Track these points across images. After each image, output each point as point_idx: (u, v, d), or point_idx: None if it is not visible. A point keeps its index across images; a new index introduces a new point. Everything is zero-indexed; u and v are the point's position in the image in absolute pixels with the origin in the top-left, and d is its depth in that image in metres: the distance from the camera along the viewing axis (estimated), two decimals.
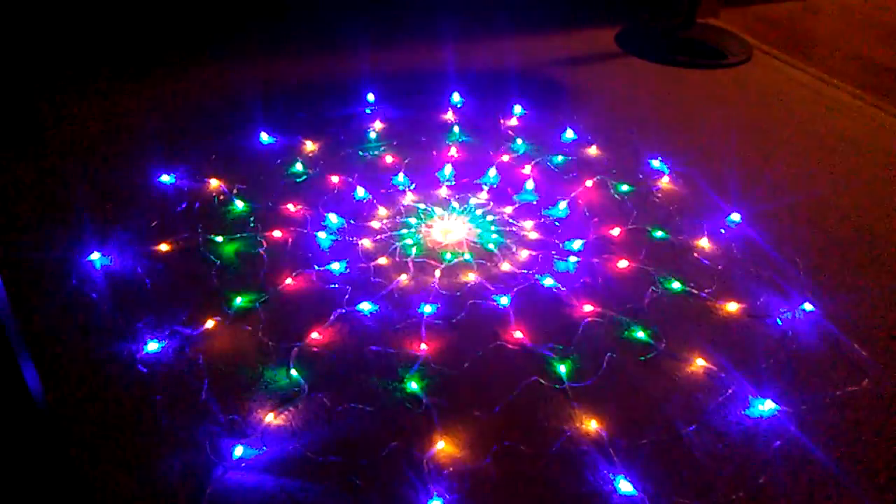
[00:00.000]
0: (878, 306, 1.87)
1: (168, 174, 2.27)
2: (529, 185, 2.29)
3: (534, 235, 2.09)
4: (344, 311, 1.79)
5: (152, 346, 1.66)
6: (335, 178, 2.30)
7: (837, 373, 1.67)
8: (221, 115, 2.66)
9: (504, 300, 1.83)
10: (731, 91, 3.05)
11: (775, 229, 2.14)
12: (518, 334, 1.74)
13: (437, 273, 1.93)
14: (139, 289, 1.84)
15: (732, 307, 1.84)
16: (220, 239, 2.02)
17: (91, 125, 2.56)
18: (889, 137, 2.69)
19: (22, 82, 2.40)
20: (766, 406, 1.56)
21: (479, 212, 2.17)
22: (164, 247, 1.98)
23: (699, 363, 1.68)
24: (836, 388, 1.63)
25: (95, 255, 1.92)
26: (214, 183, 2.25)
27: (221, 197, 2.20)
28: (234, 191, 2.22)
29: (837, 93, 3.02)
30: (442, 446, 1.47)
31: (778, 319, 1.81)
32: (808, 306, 1.84)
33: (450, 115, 2.70)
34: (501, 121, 2.68)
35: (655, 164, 2.42)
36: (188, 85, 2.87)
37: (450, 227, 2.10)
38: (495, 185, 2.30)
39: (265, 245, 2.01)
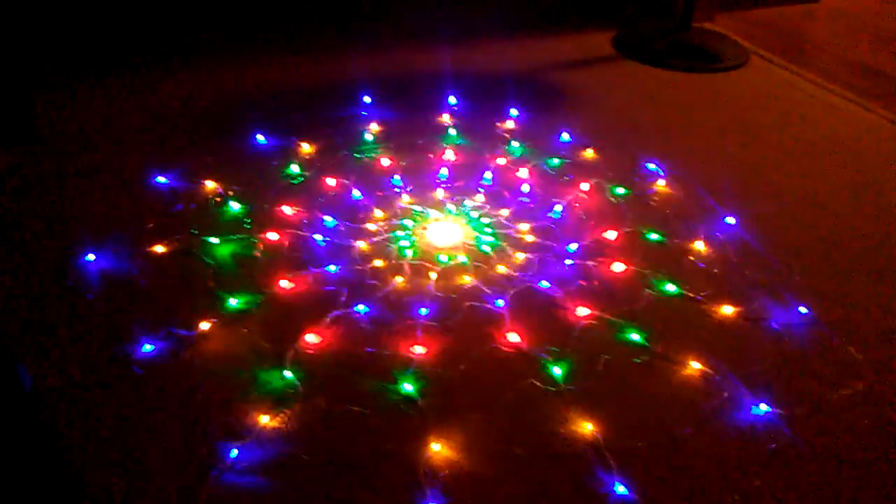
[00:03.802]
0: (872, 309, 1.88)
1: (163, 175, 2.26)
2: (525, 187, 2.29)
3: (530, 238, 2.09)
4: (339, 312, 1.79)
5: (147, 348, 1.65)
6: (331, 181, 2.30)
7: (832, 376, 1.67)
8: (217, 116, 2.66)
9: (500, 302, 1.83)
10: (727, 95, 3.06)
11: (770, 232, 2.14)
12: (514, 337, 1.74)
13: (433, 275, 1.93)
14: (134, 290, 1.84)
15: (728, 310, 1.85)
16: (215, 240, 2.01)
17: (86, 125, 2.55)
18: (884, 141, 2.70)
19: (17, 79, 2.39)
20: (762, 409, 1.56)
21: (474, 214, 2.17)
22: (159, 248, 1.97)
23: (694, 366, 1.68)
24: (831, 390, 1.63)
25: (91, 257, 1.91)
26: (210, 184, 2.25)
27: (217, 198, 2.20)
28: (230, 192, 2.22)
29: (833, 97, 3.03)
30: (437, 449, 1.46)
31: (773, 322, 1.82)
32: (802, 309, 1.84)
33: (446, 118, 2.70)
34: (497, 123, 2.68)
35: (651, 167, 2.43)
36: (183, 86, 2.87)
37: (445, 230, 2.10)
38: (491, 188, 2.30)
39: (261, 247, 2.01)
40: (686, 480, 1.43)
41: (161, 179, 2.25)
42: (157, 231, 2.04)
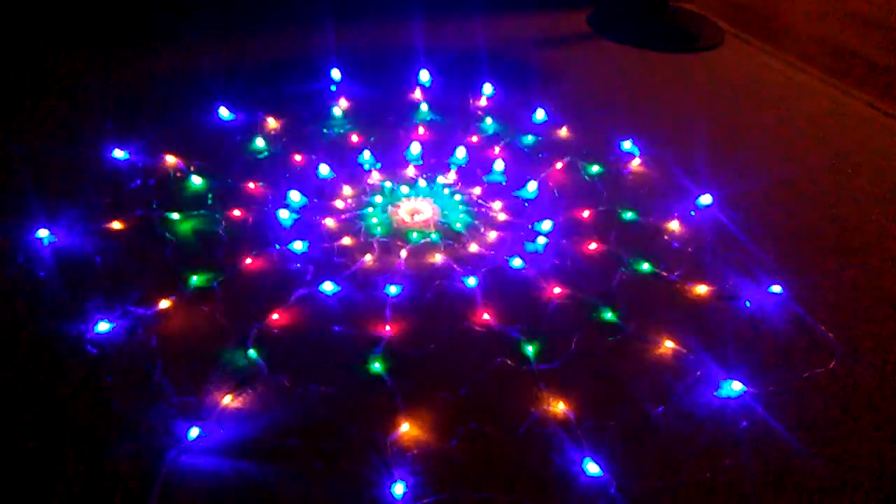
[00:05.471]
0: (844, 289, 1.87)
1: (121, 149, 2.16)
2: (499, 165, 2.24)
3: (502, 216, 2.04)
4: (306, 291, 1.73)
5: (102, 327, 1.58)
6: (298, 156, 2.23)
7: (804, 354, 1.66)
8: (179, 88, 2.56)
9: (472, 281, 1.79)
10: (703, 75, 3.03)
11: (745, 212, 2.12)
12: (485, 316, 1.69)
13: (403, 253, 1.88)
14: (89, 267, 1.76)
15: (702, 289, 1.82)
16: (176, 216, 1.93)
17: (42, 96, 2.44)
18: (857, 123, 2.70)
19: None
20: (734, 387, 1.54)
21: (446, 192, 2.12)
22: (116, 224, 1.89)
23: (668, 345, 1.65)
24: (804, 369, 1.62)
25: (43, 232, 1.82)
26: (171, 159, 2.16)
27: (178, 173, 2.11)
28: (192, 167, 2.13)
29: (807, 78, 3.03)
30: (406, 429, 1.42)
31: (747, 301, 1.80)
32: (776, 289, 1.83)
33: (417, 94, 2.63)
34: (471, 100, 2.62)
35: (626, 146, 2.39)
36: (144, 57, 2.76)
37: (417, 207, 2.05)
38: (464, 166, 2.25)
39: (224, 223, 1.94)
40: (657, 459, 1.40)
41: (119, 153, 2.15)
42: (115, 206, 1.96)
